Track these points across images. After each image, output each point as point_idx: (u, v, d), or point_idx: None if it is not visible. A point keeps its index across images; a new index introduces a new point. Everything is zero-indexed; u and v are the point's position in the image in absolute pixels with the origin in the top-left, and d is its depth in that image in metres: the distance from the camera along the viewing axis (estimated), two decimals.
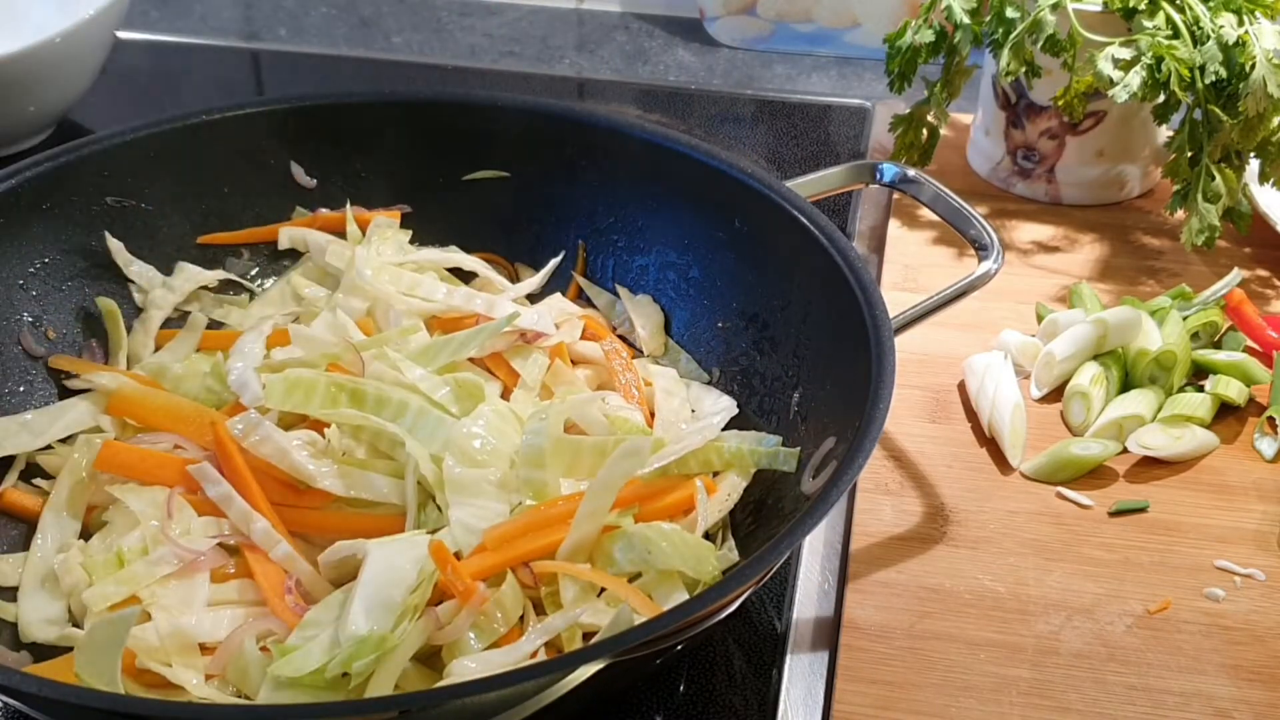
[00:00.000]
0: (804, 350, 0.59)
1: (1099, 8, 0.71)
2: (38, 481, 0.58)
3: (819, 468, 0.53)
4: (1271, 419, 0.62)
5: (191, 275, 0.65)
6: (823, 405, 0.57)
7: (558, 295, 0.66)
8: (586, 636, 0.50)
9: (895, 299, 0.58)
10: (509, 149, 0.67)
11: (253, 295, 0.67)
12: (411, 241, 0.68)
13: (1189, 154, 0.71)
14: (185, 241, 0.66)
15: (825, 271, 0.57)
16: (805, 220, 0.59)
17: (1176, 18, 0.69)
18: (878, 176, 0.66)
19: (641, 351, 0.64)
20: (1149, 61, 0.68)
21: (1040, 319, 0.69)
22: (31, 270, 0.62)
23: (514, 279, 0.68)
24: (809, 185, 0.65)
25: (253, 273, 0.68)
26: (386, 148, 0.68)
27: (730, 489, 0.56)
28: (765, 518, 0.55)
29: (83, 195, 0.63)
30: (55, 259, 0.62)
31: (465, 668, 0.46)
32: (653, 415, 0.60)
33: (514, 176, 0.67)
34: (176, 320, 0.65)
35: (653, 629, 0.41)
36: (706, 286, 0.64)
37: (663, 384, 0.61)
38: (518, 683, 0.40)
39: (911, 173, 0.65)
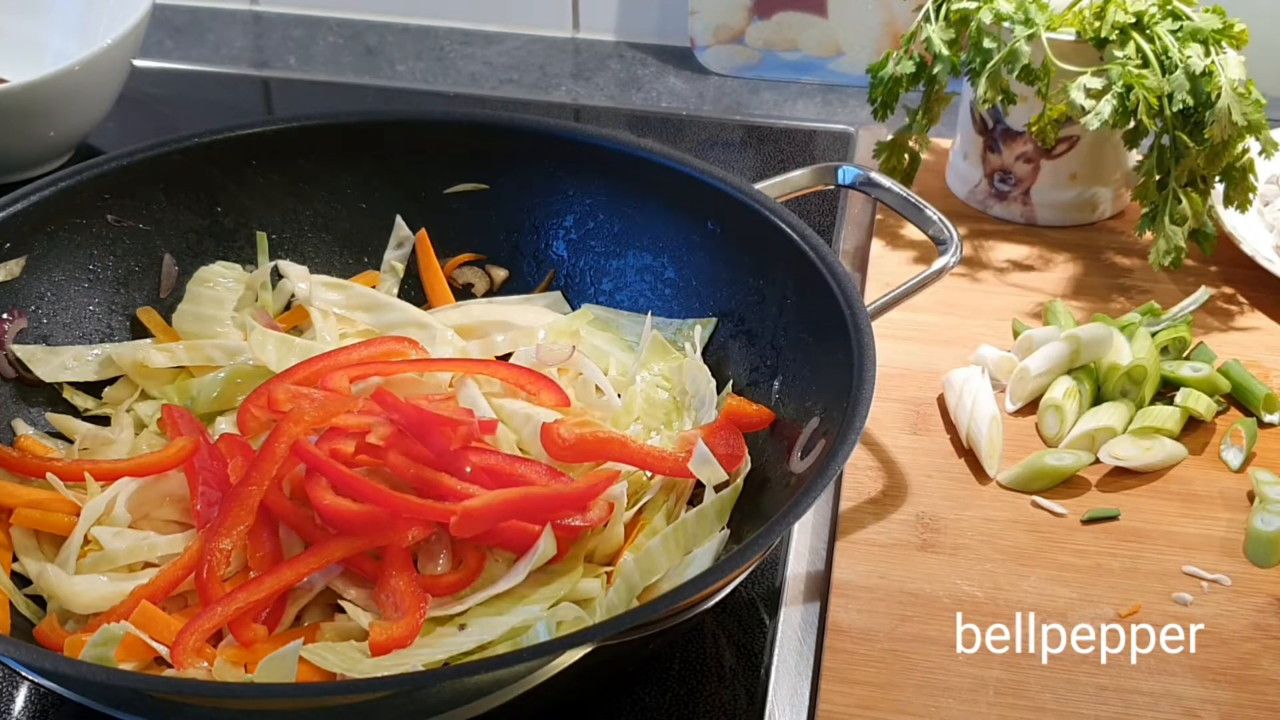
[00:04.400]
0: (781, 341, 0.62)
1: (1072, 37, 0.74)
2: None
3: (807, 447, 0.55)
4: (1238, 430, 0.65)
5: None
6: (804, 389, 0.59)
7: (544, 309, 0.69)
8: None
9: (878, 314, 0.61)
10: (488, 162, 0.70)
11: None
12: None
13: (1157, 178, 0.73)
14: (183, 259, 0.68)
15: (798, 265, 0.60)
16: (775, 219, 0.62)
17: (1146, 48, 0.72)
18: (840, 178, 0.69)
19: None
20: (1119, 90, 0.71)
21: (1016, 335, 0.71)
22: (40, 291, 0.64)
23: (490, 281, 0.71)
24: (776, 187, 0.68)
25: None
26: (370, 165, 0.70)
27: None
28: (753, 496, 0.58)
29: (87, 216, 0.65)
30: (60, 280, 0.65)
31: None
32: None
33: (493, 188, 0.70)
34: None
35: (643, 614, 0.43)
36: (682, 286, 0.67)
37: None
38: (508, 665, 0.42)
39: (872, 175, 0.69)
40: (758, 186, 0.66)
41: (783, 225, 0.61)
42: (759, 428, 0.60)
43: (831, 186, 0.70)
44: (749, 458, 0.59)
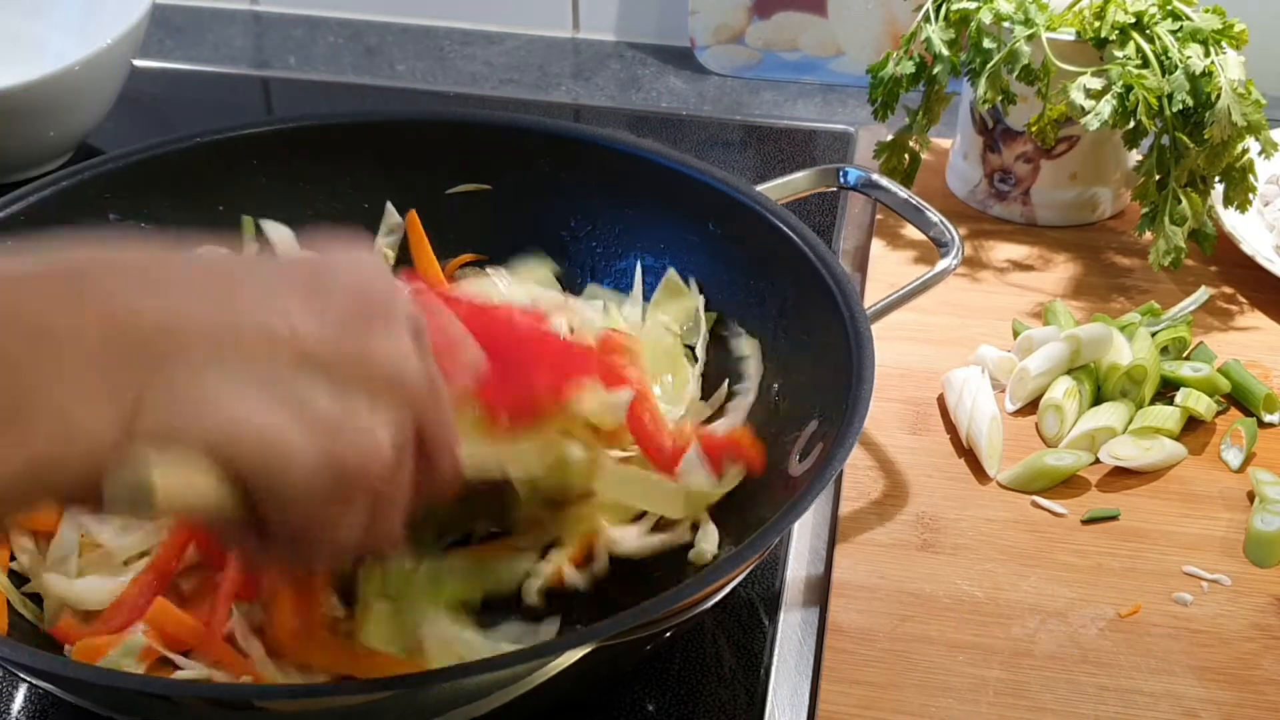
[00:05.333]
0: (780, 342, 0.62)
1: (1072, 37, 0.74)
2: None
3: (805, 449, 0.55)
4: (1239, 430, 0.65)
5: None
6: (803, 391, 0.59)
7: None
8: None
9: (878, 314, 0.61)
10: (489, 162, 0.70)
11: None
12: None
13: (1157, 178, 0.73)
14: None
15: (798, 266, 0.60)
16: (776, 220, 0.62)
17: (1146, 48, 0.72)
18: (842, 180, 0.69)
19: None
20: (1119, 90, 0.71)
21: (1016, 335, 0.71)
22: None
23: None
24: (777, 189, 0.68)
25: None
26: (370, 165, 0.70)
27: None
28: (749, 500, 0.57)
29: (87, 216, 0.65)
30: None
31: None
32: None
33: (495, 189, 0.70)
34: None
35: (643, 614, 0.43)
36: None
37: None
38: (508, 665, 0.42)
39: (874, 177, 0.69)
40: (759, 189, 0.66)
41: (783, 227, 0.61)
42: (750, 466, 0.57)
43: (834, 189, 0.70)
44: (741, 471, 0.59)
